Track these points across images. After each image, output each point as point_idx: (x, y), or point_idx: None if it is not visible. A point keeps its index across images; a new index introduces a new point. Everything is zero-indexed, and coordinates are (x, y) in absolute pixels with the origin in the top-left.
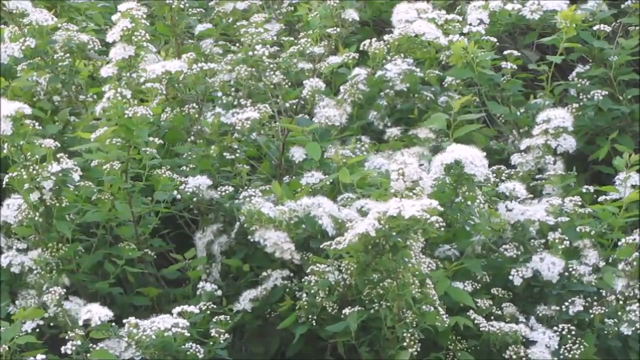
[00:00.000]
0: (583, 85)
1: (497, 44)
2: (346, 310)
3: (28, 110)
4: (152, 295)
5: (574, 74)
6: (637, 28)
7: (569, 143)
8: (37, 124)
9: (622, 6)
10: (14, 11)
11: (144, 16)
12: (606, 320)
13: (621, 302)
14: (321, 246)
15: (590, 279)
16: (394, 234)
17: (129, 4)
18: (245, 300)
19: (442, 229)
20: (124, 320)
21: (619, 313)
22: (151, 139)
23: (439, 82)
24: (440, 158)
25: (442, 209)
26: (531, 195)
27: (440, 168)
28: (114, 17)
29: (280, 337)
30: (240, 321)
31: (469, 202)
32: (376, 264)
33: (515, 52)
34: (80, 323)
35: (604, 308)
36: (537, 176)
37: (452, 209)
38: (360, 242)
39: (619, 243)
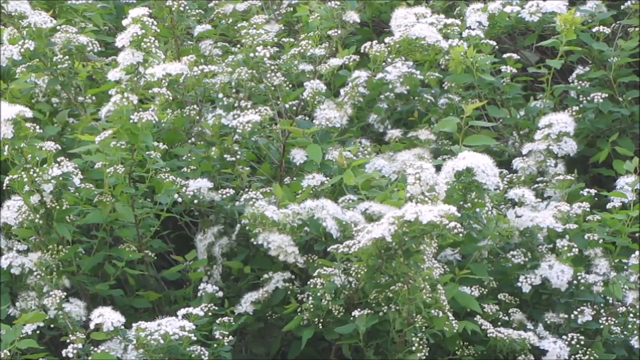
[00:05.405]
0: (583, 87)
1: (497, 46)
2: (355, 313)
3: (29, 113)
4: (152, 299)
5: (573, 75)
6: (637, 29)
7: (569, 146)
8: (37, 127)
9: (622, 7)
10: (13, 13)
11: (155, 24)
12: (613, 327)
13: (632, 315)
14: (329, 249)
15: (599, 288)
16: (407, 239)
17: (140, 10)
18: (247, 303)
19: (461, 234)
20: (134, 325)
21: (630, 326)
22: (156, 143)
23: (438, 84)
24: (452, 164)
25: (459, 214)
26: (539, 200)
27: (451, 173)
28: (124, 22)
29: (281, 338)
30: (241, 323)
31: (477, 209)
32: (386, 268)
33: (515, 55)
34: (92, 327)
35: (613, 319)
36: (539, 179)
37: (460, 215)
38: (374, 247)
39: (632, 256)
